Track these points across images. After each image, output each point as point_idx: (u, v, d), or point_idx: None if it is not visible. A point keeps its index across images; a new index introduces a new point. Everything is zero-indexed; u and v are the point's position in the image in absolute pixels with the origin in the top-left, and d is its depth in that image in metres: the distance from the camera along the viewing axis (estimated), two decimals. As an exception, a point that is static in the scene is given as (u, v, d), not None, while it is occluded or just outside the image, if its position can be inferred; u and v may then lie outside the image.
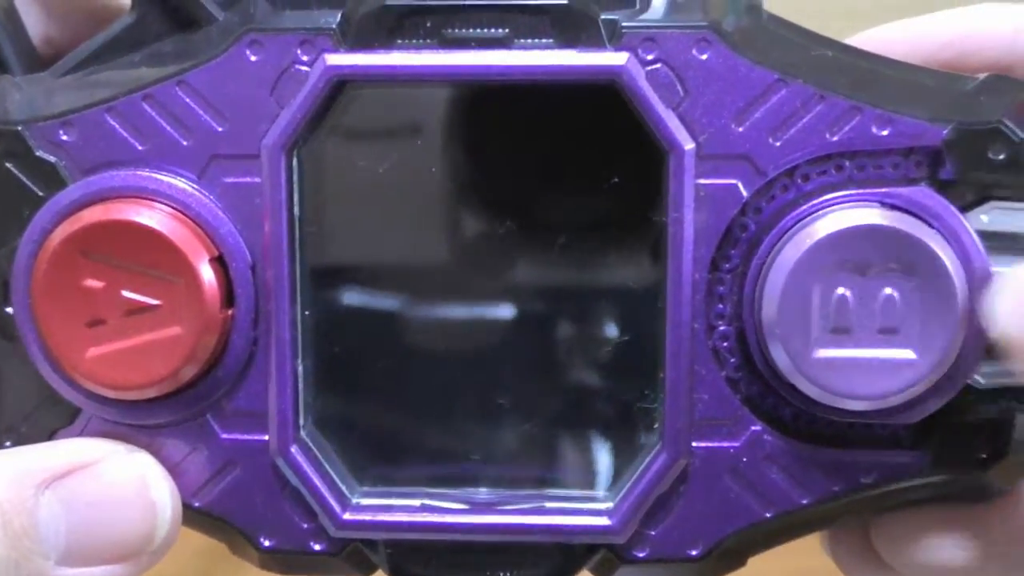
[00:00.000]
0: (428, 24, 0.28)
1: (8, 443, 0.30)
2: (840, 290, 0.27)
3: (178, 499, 0.29)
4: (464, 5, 0.28)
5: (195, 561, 0.55)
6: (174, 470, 0.30)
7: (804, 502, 0.29)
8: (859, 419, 0.29)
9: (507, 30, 0.28)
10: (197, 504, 0.30)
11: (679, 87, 0.28)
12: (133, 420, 0.30)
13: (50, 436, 0.30)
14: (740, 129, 0.28)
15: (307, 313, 0.29)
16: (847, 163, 0.28)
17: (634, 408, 0.30)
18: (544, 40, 0.28)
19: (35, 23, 0.33)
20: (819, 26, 0.30)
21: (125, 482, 0.29)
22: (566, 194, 0.30)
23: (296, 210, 0.29)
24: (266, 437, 0.30)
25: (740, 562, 0.30)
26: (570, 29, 0.28)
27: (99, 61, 0.30)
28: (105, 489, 0.28)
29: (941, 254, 0.27)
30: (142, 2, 0.30)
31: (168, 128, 0.29)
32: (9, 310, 0.29)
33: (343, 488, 0.30)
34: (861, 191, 0.28)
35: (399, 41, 0.28)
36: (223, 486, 0.30)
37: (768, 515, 0.29)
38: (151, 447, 0.30)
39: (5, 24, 0.32)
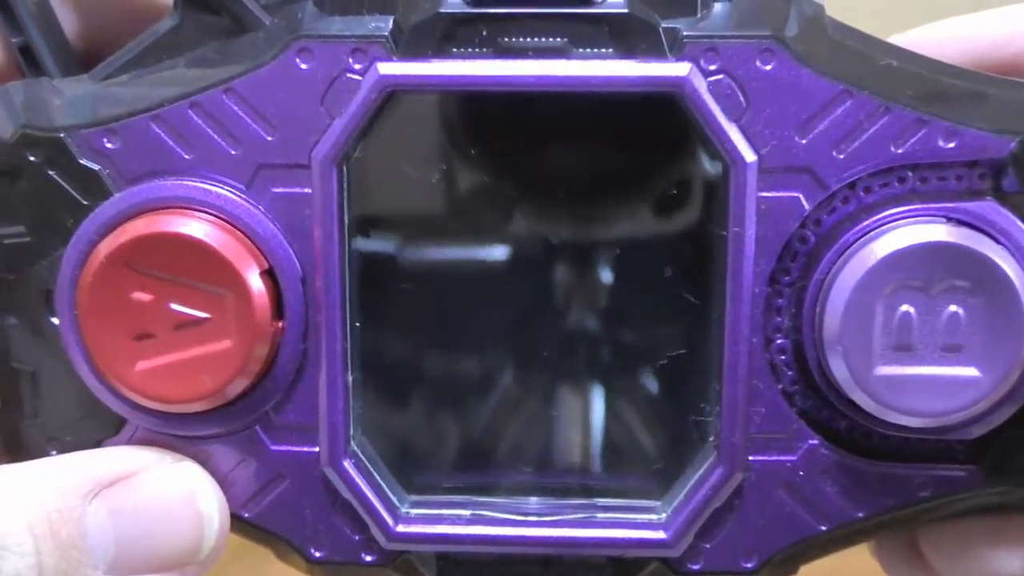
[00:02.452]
0: (483, 32, 0.27)
1: (53, 452, 0.30)
2: (904, 307, 0.27)
3: (226, 509, 0.29)
4: (521, 13, 0.27)
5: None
6: (223, 481, 0.29)
7: (859, 516, 0.29)
8: (916, 435, 0.28)
9: (565, 39, 0.27)
10: (246, 515, 0.30)
11: (741, 98, 0.27)
12: (181, 431, 0.29)
13: (96, 446, 0.30)
14: (803, 141, 0.27)
15: (357, 324, 0.29)
16: (910, 175, 0.28)
17: (689, 421, 0.29)
18: (603, 50, 0.27)
19: (70, 21, 0.32)
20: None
21: (173, 492, 0.28)
22: (621, 205, 0.29)
23: (345, 219, 0.28)
24: (316, 449, 0.29)
25: (792, 571, 0.30)
26: (630, 38, 0.27)
27: (141, 65, 0.29)
28: (153, 499, 0.28)
29: (1009, 271, 0.26)
30: (185, 5, 0.29)
31: (215, 137, 0.28)
32: (54, 320, 0.29)
33: (393, 499, 0.29)
34: (925, 205, 0.27)
35: (453, 49, 0.27)
36: (272, 497, 0.30)
37: (823, 529, 0.29)
38: (199, 458, 0.29)
39: (40, 23, 0.31)
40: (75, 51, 0.32)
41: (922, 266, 0.27)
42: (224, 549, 0.29)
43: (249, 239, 0.28)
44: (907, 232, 0.27)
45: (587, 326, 0.30)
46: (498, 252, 0.30)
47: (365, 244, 0.29)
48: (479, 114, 0.29)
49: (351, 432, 0.29)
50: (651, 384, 0.30)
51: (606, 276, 0.30)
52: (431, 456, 0.31)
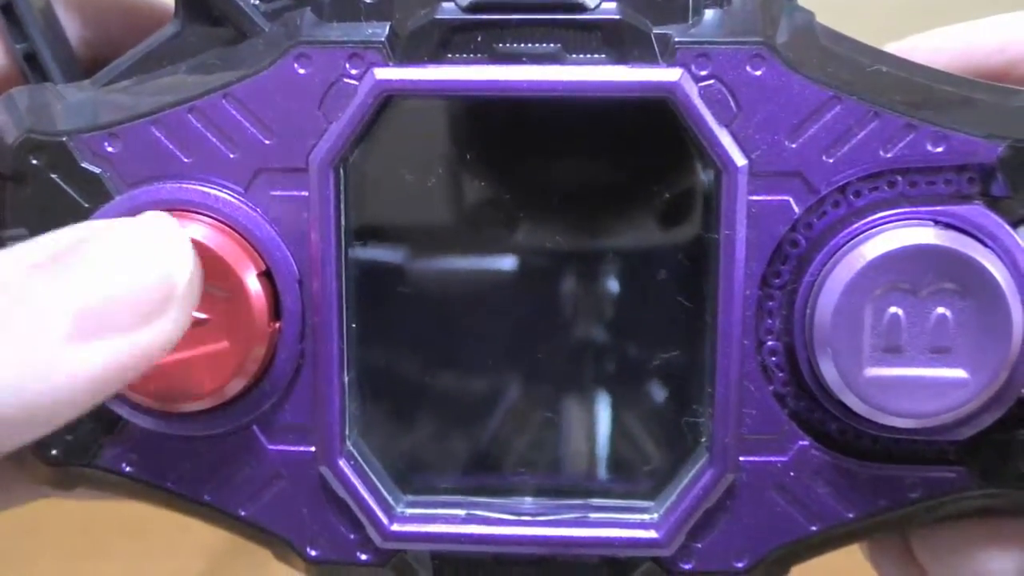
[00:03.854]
0: (479, 38, 0.28)
1: (55, 451, 0.30)
2: (892, 309, 0.27)
3: (191, 249, 0.26)
4: (516, 20, 0.28)
5: (200, 562, 0.55)
6: (220, 481, 0.30)
7: (850, 516, 0.29)
8: (906, 436, 0.29)
9: (559, 45, 0.28)
10: (243, 514, 0.30)
11: (732, 103, 0.28)
12: (179, 431, 0.30)
13: (95, 446, 0.30)
14: (793, 146, 0.28)
15: (353, 325, 0.29)
16: (899, 179, 0.28)
17: (681, 421, 0.30)
18: (596, 55, 0.28)
19: (73, 27, 0.32)
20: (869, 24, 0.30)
21: (131, 238, 0.25)
22: (617, 209, 0.30)
23: (342, 222, 0.29)
24: (312, 448, 0.30)
25: (784, 571, 0.31)
26: (622, 44, 0.27)
27: (142, 71, 0.30)
28: (109, 250, 0.24)
29: (996, 274, 0.27)
30: (186, 12, 0.30)
31: (214, 141, 0.29)
32: (54, 321, 0.29)
33: (389, 499, 0.30)
34: (914, 208, 0.28)
35: (449, 55, 0.28)
36: (269, 497, 0.30)
37: (814, 529, 0.29)
38: (198, 458, 0.30)
39: (44, 29, 0.31)
40: (79, 58, 0.32)
41: (911, 269, 0.27)
42: (199, 296, 0.26)
43: (247, 241, 0.29)
44: (896, 235, 0.27)
45: (581, 329, 0.31)
46: (494, 257, 0.30)
47: (364, 250, 0.30)
48: (477, 121, 0.30)
49: (347, 432, 0.30)
50: (644, 386, 0.30)
51: (602, 281, 0.30)
52: (427, 456, 0.31)
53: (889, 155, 0.28)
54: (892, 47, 0.31)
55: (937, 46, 0.32)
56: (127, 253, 0.25)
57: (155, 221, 0.26)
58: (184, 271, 0.25)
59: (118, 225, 0.25)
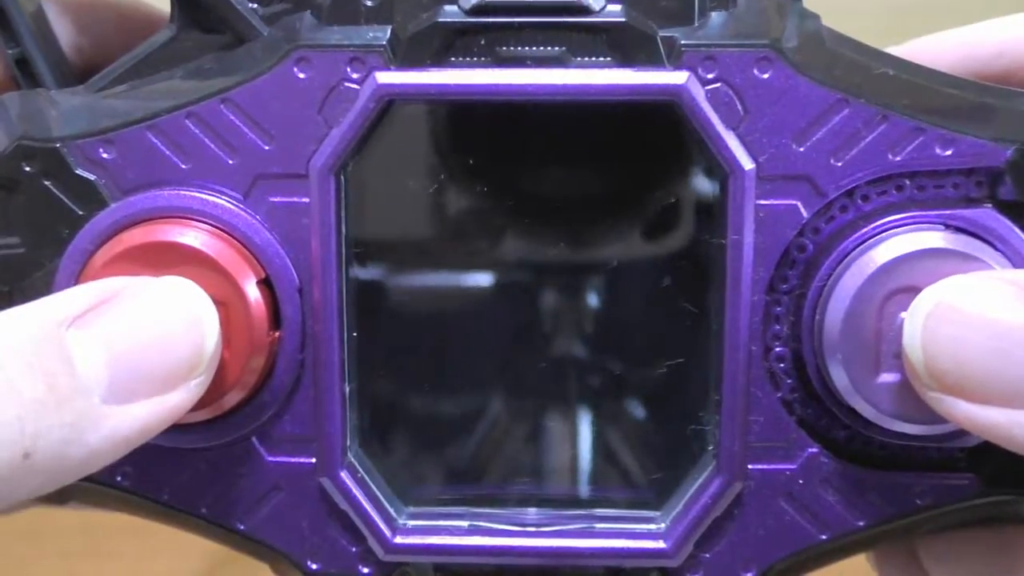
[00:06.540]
0: (482, 42, 0.27)
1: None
2: (904, 314, 0.27)
3: (215, 313, 0.27)
4: (519, 23, 0.27)
5: (201, 563, 0.54)
6: (218, 494, 0.29)
7: (859, 525, 0.29)
8: (915, 442, 0.28)
9: (563, 48, 0.27)
10: (242, 527, 0.30)
11: (739, 106, 0.27)
12: (176, 443, 0.29)
13: (90, 459, 0.29)
14: (801, 149, 0.27)
15: (354, 335, 0.29)
16: (907, 183, 0.28)
17: (687, 430, 0.29)
18: (601, 59, 0.27)
19: (66, 33, 0.32)
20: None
21: (160, 303, 0.26)
22: (621, 215, 0.29)
23: (343, 229, 0.28)
24: (312, 460, 0.29)
25: (792, 581, 0.30)
26: (628, 47, 0.27)
27: (138, 75, 0.29)
28: (140, 314, 0.25)
29: (1007, 278, 0.26)
30: (182, 15, 0.29)
31: (212, 146, 0.28)
32: (48, 332, 0.29)
33: (391, 510, 0.29)
34: (923, 212, 0.27)
35: (452, 59, 0.27)
36: (269, 509, 0.29)
37: (823, 538, 0.29)
38: (195, 471, 0.29)
39: (36, 35, 0.31)
40: (72, 63, 0.32)
41: (921, 273, 0.27)
42: (219, 359, 0.27)
43: (246, 249, 0.28)
44: (906, 239, 0.27)
45: (585, 337, 0.30)
46: (496, 264, 0.30)
47: (364, 258, 0.29)
48: (479, 126, 0.29)
49: (348, 443, 0.29)
50: (650, 394, 0.30)
51: (606, 287, 0.30)
52: (429, 467, 0.31)
53: (897, 158, 0.27)
54: (894, 51, 0.31)
55: (938, 50, 0.32)
56: (157, 322, 0.25)
57: (183, 283, 0.27)
58: (212, 336, 0.26)
59: (150, 284, 0.26)
